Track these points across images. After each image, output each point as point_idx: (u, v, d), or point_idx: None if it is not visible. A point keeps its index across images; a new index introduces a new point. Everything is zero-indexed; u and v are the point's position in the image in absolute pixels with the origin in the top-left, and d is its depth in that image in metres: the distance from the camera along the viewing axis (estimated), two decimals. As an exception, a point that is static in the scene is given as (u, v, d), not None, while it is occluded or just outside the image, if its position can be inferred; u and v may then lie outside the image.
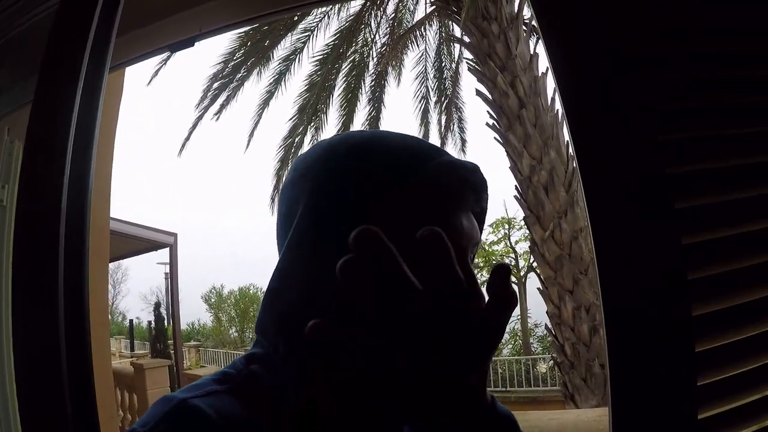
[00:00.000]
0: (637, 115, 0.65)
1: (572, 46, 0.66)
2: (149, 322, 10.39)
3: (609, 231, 0.64)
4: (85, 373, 0.55)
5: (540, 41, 7.02)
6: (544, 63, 6.68)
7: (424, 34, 9.31)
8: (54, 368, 0.50)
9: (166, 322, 10.24)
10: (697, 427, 0.61)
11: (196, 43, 0.99)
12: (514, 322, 16.10)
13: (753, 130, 0.65)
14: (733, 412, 0.62)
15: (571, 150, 5.44)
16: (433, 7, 8.35)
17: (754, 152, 0.65)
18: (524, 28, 6.76)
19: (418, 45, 9.48)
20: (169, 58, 6.63)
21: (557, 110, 6.52)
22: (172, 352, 9.47)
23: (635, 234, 0.64)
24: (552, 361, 9.54)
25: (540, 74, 6.55)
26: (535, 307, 14.15)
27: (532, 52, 6.67)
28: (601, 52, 0.65)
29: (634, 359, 0.62)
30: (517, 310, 15.44)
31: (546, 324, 6.79)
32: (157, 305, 10.34)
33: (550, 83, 6.59)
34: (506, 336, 16.01)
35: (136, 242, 8.69)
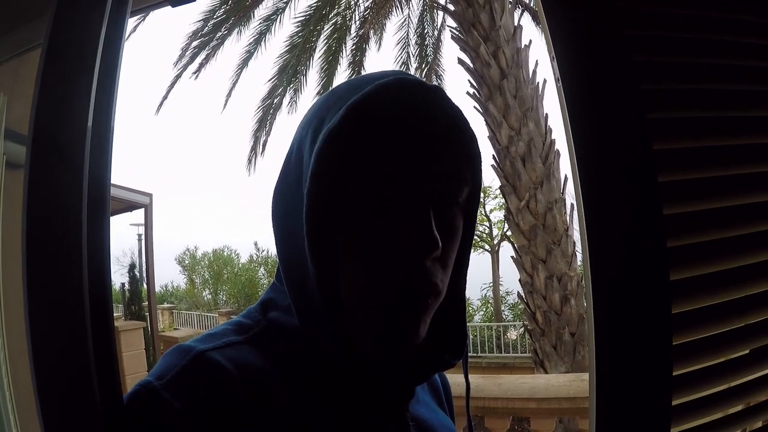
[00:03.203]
0: (628, 96, 0.69)
1: (574, 29, 0.69)
2: (122, 284, 10.25)
3: (599, 204, 0.68)
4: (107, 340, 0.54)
5: (538, 20, 6.96)
6: (527, 35, 6.69)
7: (408, -1, 9.18)
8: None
9: (140, 284, 10.15)
10: (672, 384, 0.66)
11: None
12: (485, 290, 16.36)
13: (739, 114, 0.69)
14: (705, 370, 0.69)
15: (549, 123, 5.50)
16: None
17: (740, 133, 0.70)
18: (509, -1, 6.73)
19: (401, 10, 9.34)
20: (147, 14, 6.41)
21: (537, 83, 6.54)
22: (146, 314, 9.42)
23: (622, 205, 0.68)
24: (523, 329, 9.80)
25: (523, 46, 6.53)
26: (507, 276, 14.39)
27: (516, 24, 6.64)
28: (599, 36, 0.68)
29: (615, 321, 0.67)
30: (489, 278, 15.72)
31: (518, 292, 6.94)
32: (132, 267, 10.21)
33: (533, 56, 6.61)
34: (478, 303, 16.30)
35: (110, 202, 8.52)
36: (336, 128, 0.50)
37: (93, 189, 0.54)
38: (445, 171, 0.53)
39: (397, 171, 0.51)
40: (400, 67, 9.74)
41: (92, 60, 0.54)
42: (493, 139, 6.52)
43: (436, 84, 0.55)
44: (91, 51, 0.54)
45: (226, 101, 9.83)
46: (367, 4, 8.95)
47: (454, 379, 0.88)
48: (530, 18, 8.27)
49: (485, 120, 6.63)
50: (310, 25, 8.69)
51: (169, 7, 0.87)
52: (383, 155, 0.51)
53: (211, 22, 8.30)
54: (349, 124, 0.51)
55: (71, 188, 0.53)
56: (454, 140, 0.55)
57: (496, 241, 16.31)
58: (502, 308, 15.79)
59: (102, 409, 0.50)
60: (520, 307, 10.94)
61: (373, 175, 0.51)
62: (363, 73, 9.32)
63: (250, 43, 8.84)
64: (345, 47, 9.21)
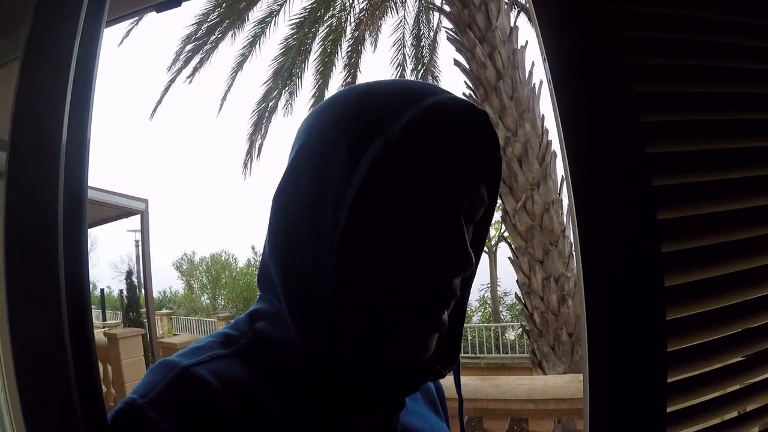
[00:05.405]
0: (621, 99, 0.68)
1: (566, 30, 0.68)
2: (120, 291, 10.26)
3: (592, 208, 0.67)
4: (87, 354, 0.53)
5: (529, 19, 6.96)
6: (523, 36, 6.68)
7: (403, 0, 9.18)
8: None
9: (137, 290, 10.14)
10: (666, 390, 0.65)
11: (183, 3, 0.95)
12: (483, 290, 16.36)
13: (733, 117, 0.68)
14: (700, 377, 0.68)
15: (546, 124, 5.49)
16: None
17: (735, 137, 0.69)
18: (505, 0, 6.72)
19: (396, 11, 9.35)
20: (140, 18, 6.41)
21: (534, 84, 6.54)
22: (144, 321, 9.39)
23: (615, 209, 0.67)
24: (521, 329, 9.80)
25: (519, 47, 6.53)
26: (505, 276, 14.38)
27: (512, 25, 6.64)
28: (593, 37, 0.67)
29: (609, 326, 0.66)
30: (487, 279, 15.73)
31: (516, 293, 6.94)
32: (129, 273, 10.20)
33: (529, 56, 6.60)
34: (476, 304, 16.31)
35: (105, 209, 8.49)
36: (396, 143, 0.51)
37: (69, 196, 0.54)
38: (480, 194, 0.56)
39: (446, 190, 0.53)
40: (396, 68, 9.75)
41: (66, 68, 0.54)
42: (490, 140, 6.50)
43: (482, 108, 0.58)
44: (65, 59, 0.54)
45: (221, 105, 9.82)
46: (362, 5, 8.96)
47: (450, 381, 0.87)
48: (526, 19, 8.27)
49: (481, 121, 6.61)
50: (304, 27, 8.68)
51: (155, 12, 0.85)
52: (436, 174, 0.53)
53: (205, 25, 8.29)
54: (409, 141, 0.51)
55: (47, 196, 0.53)
56: (493, 166, 0.59)
57: (493, 242, 16.32)
58: (500, 309, 15.80)
59: (86, 429, 0.49)
60: (518, 307, 10.93)
61: (423, 191, 0.52)
62: (359, 74, 9.35)
63: (244, 46, 8.83)
64: (340, 49, 9.20)
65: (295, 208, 0.55)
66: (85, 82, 0.55)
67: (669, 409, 0.66)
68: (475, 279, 0.65)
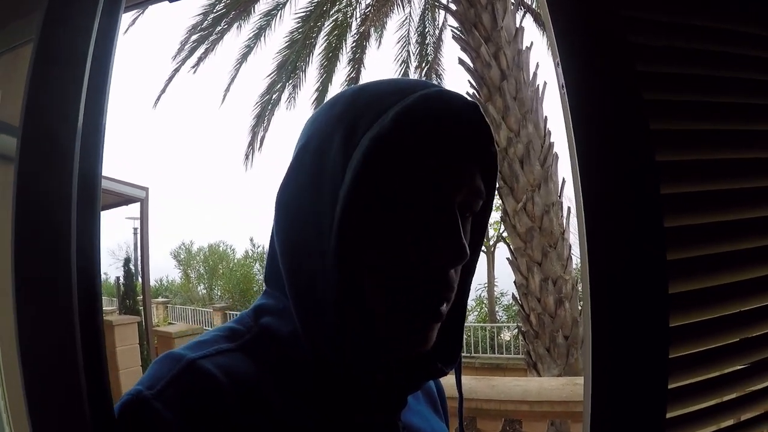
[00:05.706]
0: (632, 106, 0.68)
1: (579, 36, 0.68)
2: (117, 278, 10.23)
3: (600, 214, 0.67)
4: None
5: (540, 22, 6.92)
6: (528, 37, 6.68)
7: (410, -2, 9.16)
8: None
9: (134, 278, 10.11)
10: (667, 396, 0.66)
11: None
12: (480, 290, 16.36)
13: (742, 127, 0.69)
14: (700, 384, 0.68)
15: (548, 126, 5.46)
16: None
17: (744, 147, 0.70)
18: (512, 0, 6.70)
19: (402, 8, 9.32)
20: (145, 7, 6.37)
21: (538, 85, 6.53)
22: (140, 308, 9.38)
23: (623, 215, 0.67)
24: (516, 330, 9.81)
25: (524, 48, 6.51)
26: (502, 277, 14.38)
27: (517, 26, 6.62)
28: (605, 43, 0.68)
29: (613, 330, 0.67)
30: (484, 279, 15.72)
31: (513, 293, 6.94)
32: (127, 261, 10.19)
33: (533, 58, 6.59)
34: (472, 303, 16.27)
35: (106, 196, 8.46)
36: (385, 134, 0.51)
37: (83, 184, 0.54)
38: (476, 185, 0.56)
39: (437, 181, 0.53)
40: (400, 65, 9.74)
41: (84, 54, 0.53)
42: (492, 140, 6.49)
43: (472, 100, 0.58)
44: (83, 45, 0.53)
45: (225, 96, 9.79)
46: (368, 1, 8.94)
47: (450, 380, 0.87)
48: (532, 20, 8.26)
49: (484, 121, 6.60)
50: (310, 21, 8.66)
51: (167, 2, 0.86)
52: (427, 164, 0.53)
53: (211, 16, 8.26)
54: (398, 131, 0.51)
55: (61, 183, 0.52)
56: (487, 157, 0.59)
57: (491, 242, 16.30)
58: (497, 309, 15.80)
59: (92, 420, 0.50)
60: (514, 308, 10.93)
61: (415, 183, 0.52)
62: (363, 70, 9.33)
63: (249, 38, 8.81)
64: (345, 44, 9.18)
65: (298, 205, 0.55)
66: (103, 66, 0.55)
67: (668, 415, 0.66)
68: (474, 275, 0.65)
